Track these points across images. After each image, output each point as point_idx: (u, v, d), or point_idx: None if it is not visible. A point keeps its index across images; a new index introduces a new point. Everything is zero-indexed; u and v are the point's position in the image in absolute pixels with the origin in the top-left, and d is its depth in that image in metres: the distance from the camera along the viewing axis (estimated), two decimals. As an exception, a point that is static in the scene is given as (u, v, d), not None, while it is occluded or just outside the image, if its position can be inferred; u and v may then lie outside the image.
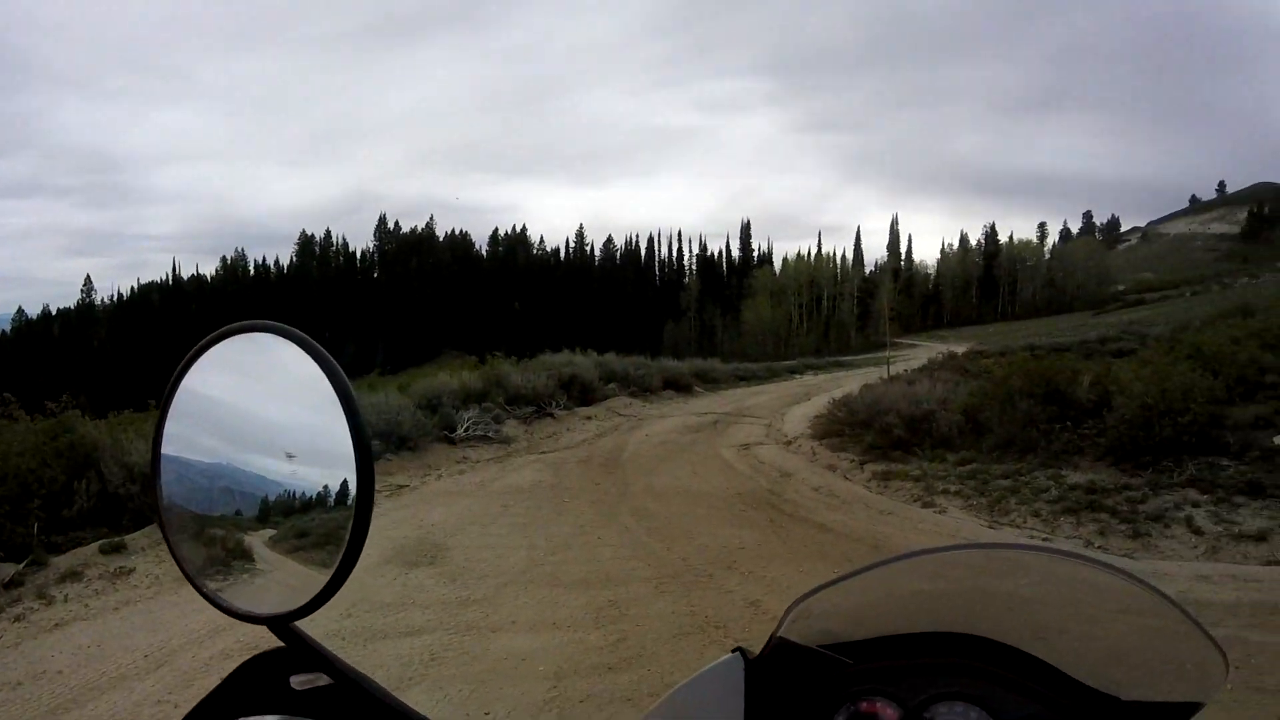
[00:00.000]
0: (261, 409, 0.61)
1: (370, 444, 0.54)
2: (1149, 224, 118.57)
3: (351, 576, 0.53)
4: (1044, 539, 5.33)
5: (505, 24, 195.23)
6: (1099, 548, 5.08)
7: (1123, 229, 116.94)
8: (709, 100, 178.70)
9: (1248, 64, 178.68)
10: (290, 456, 0.56)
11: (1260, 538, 4.80)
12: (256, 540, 0.59)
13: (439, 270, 78.11)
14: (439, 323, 72.18)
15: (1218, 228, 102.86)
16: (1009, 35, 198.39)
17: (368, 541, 0.53)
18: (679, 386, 15.12)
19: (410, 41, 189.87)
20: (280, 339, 0.56)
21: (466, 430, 9.06)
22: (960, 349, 21.77)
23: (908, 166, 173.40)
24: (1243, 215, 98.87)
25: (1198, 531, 5.02)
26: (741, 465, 8.10)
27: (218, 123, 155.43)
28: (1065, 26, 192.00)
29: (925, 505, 6.29)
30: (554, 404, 11.21)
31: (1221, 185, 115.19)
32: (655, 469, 7.89)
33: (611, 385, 13.08)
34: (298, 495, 0.57)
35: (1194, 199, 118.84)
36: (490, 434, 9.25)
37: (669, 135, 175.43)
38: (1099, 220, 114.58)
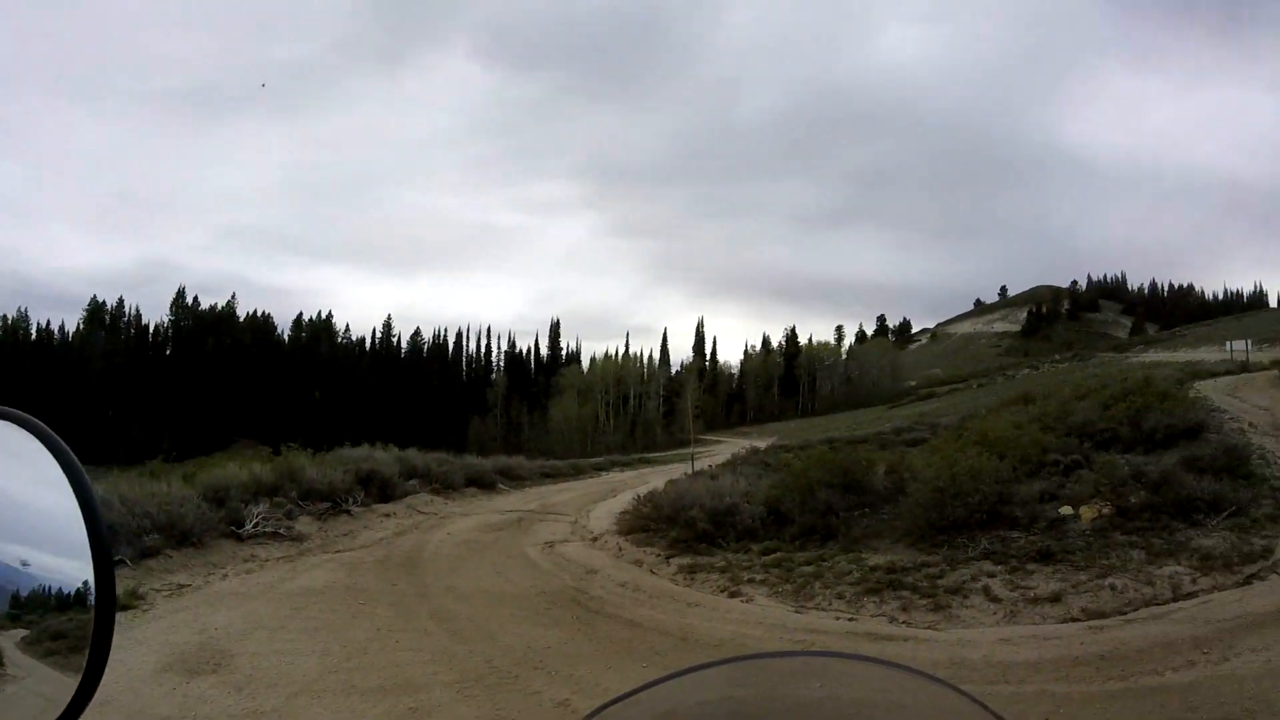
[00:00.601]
0: (5, 498, 0.82)
1: (108, 544, 0.77)
2: (938, 325, 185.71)
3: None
4: (849, 620, 7.80)
5: (331, 111, 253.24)
6: (903, 623, 7.57)
7: (913, 330, 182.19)
8: (527, 201, 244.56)
9: (1028, 183, 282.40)
10: (24, 563, 0.77)
11: (1055, 599, 7.67)
12: (7, 641, 0.76)
13: (238, 352, 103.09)
14: (234, 408, 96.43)
15: (1000, 326, 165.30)
16: (811, 157, 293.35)
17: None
18: (483, 484, 20.71)
19: (228, 114, 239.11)
20: (14, 427, 0.76)
21: (256, 526, 11.90)
22: (763, 444, 29.22)
23: (714, 272, 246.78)
24: (1023, 315, 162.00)
25: (995, 599, 7.80)
26: (546, 563, 11.04)
27: (7, 169, 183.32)
28: (865, 151, 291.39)
29: (732, 595, 8.88)
30: (351, 500, 14.91)
31: (1003, 289, 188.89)
32: (457, 568, 10.68)
33: (413, 482, 17.83)
34: (53, 592, 0.76)
35: (979, 301, 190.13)
36: (282, 531, 12.27)
37: (485, 233, 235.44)
38: (892, 322, 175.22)
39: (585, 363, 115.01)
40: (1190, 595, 7.62)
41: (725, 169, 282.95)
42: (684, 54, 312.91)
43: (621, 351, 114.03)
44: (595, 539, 12.80)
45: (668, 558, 10.70)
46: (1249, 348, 41.27)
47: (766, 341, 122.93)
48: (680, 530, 11.37)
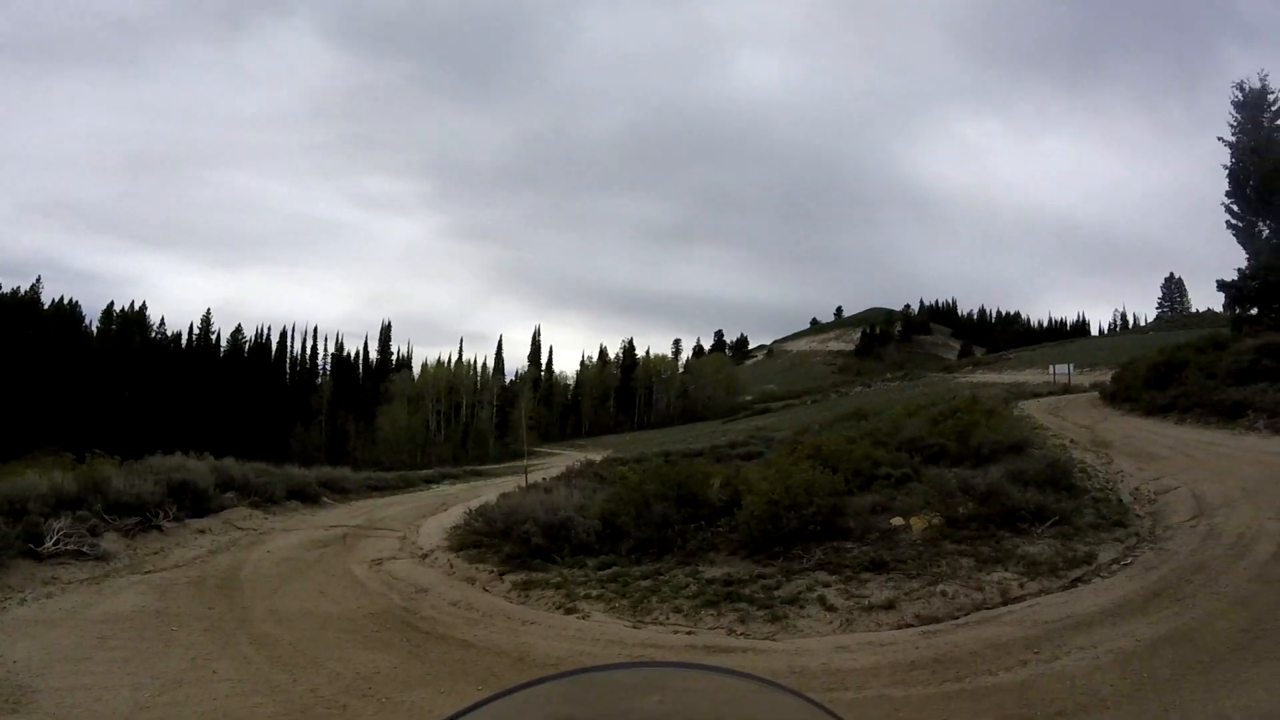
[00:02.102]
0: None
1: None
2: (774, 342, 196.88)
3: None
4: (688, 633, 7.90)
5: (158, 77, 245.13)
6: (741, 634, 7.72)
7: (751, 346, 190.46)
8: (364, 195, 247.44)
9: (871, 212, 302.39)
10: None
11: (889, 606, 8.03)
12: None
13: (40, 345, 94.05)
14: (33, 409, 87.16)
15: (836, 345, 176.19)
16: (661, 173, 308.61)
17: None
18: (305, 496, 20.03)
19: (43, 66, 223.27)
20: None
21: (57, 544, 11.33)
22: (598, 457, 29.78)
23: (554, 281, 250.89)
24: (857, 335, 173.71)
25: (831, 608, 8.07)
26: (374, 583, 10.79)
27: None
28: (715, 171, 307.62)
29: (568, 612, 8.86)
30: (163, 515, 14.21)
31: (839, 310, 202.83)
32: (279, 589, 10.31)
33: (230, 494, 17.20)
34: None
35: (815, 321, 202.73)
36: (86, 549, 11.64)
37: (317, 226, 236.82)
38: (730, 338, 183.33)
39: (416, 369, 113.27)
40: (1019, 599, 8.12)
41: (573, 179, 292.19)
42: (540, 58, 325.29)
43: (455, 358, 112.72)
44: (425, 556, 12.64)
45: (501, 574, 10.62)
46: (1070, 371, 45.08)
47: (604, 353, 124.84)
48: (514, 546, 11.28)
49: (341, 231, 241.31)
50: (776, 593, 8.64)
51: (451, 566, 11.52)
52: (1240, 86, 31.68)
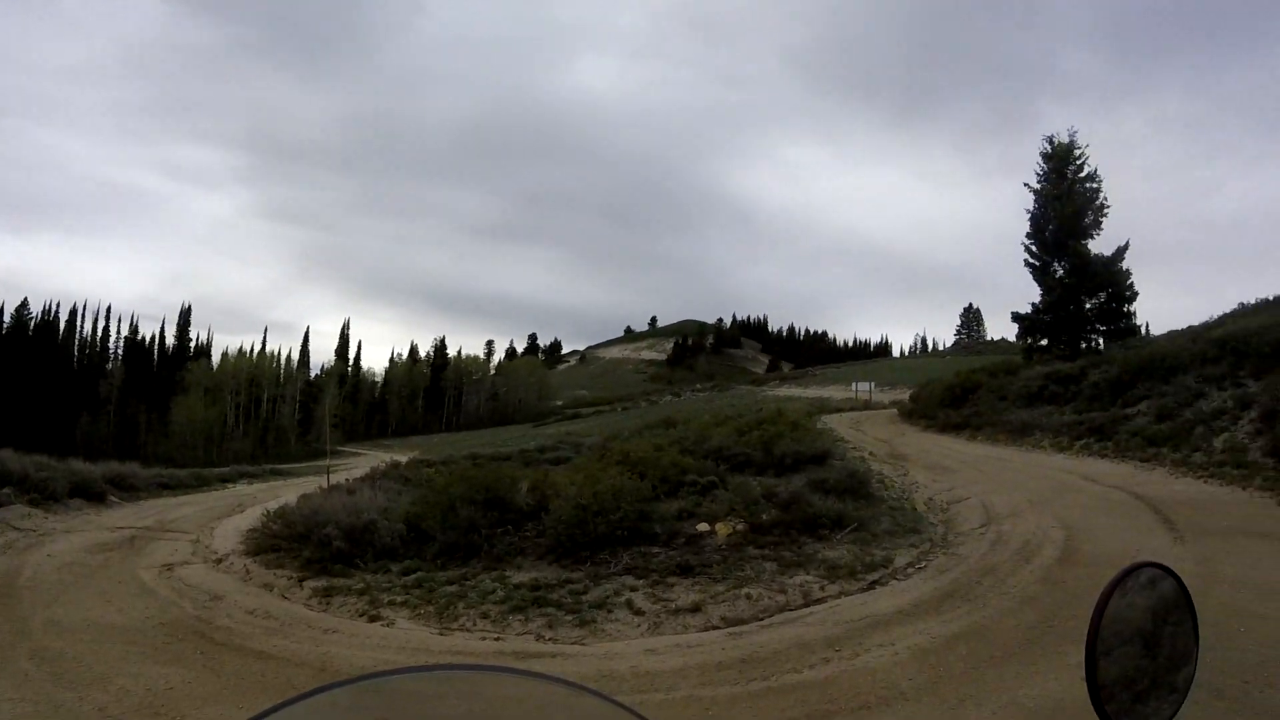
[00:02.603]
0: None
1: None
2: (588, 348, 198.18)
3: None
4: (495, 639, 7.76)
5: None
6: (550, 640, 7.64)
7: (564, 351, 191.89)
8: (172, 164, 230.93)
9: (693, 224, 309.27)
10: None
11: (695, 609, 8.15)
12: None
13: None
14: None
15: (648, 354, 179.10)
16: (489, 168, 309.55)
17: None
18: (91, 494, 18.95)
19: None
20: None
21: None
22: (404, 458, 28.73)
23: (369, 272, 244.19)
24: (670, 345, 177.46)
25: (639, 612, 8.12)
26: (165, 589, 10.08)
27: None
28: (545, 171, 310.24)
29: (372, 619, 8.55)
30: None
31: (654, 319, 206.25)
32: (60, 598, 9.57)
33: (7, 489, 16.19)
34: None
35: (629, 329, 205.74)
36: None
37: (122, 193, 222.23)
38: (543, 342, 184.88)
39: (216, 358, 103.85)
40: (821, 601, 8.43)
41: (397, 166, 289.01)
42: (377, 36, 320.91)
43: (258, 348, 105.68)
44: (220, 560, 11.85)
45: (301, 580, 10.15)
46: (872, 389, 47.41)
47: (415, 351, 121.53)
48: (314, 550, 10.80)
49: (146, 202, 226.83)
50: (585, 597, 8.61)
51: (248, 572, 10.97)
52: (1050, 140, 35.14)
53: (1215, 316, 32.13)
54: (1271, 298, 31.86)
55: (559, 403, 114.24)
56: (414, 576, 9.70)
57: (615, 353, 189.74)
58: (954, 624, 7.29)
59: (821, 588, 8.80)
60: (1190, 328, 30.26)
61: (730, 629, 7.69)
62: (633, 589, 8.79)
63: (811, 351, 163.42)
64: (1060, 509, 11.93)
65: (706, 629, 7.81)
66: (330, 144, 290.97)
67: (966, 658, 6.37)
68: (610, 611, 8.26)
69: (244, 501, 20.03)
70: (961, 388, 28.95)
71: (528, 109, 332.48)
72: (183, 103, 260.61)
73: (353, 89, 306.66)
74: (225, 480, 30.44)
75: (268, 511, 13.54)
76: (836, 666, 6.29)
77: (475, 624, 8.21)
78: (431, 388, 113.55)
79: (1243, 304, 33.65)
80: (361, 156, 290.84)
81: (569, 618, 8.13)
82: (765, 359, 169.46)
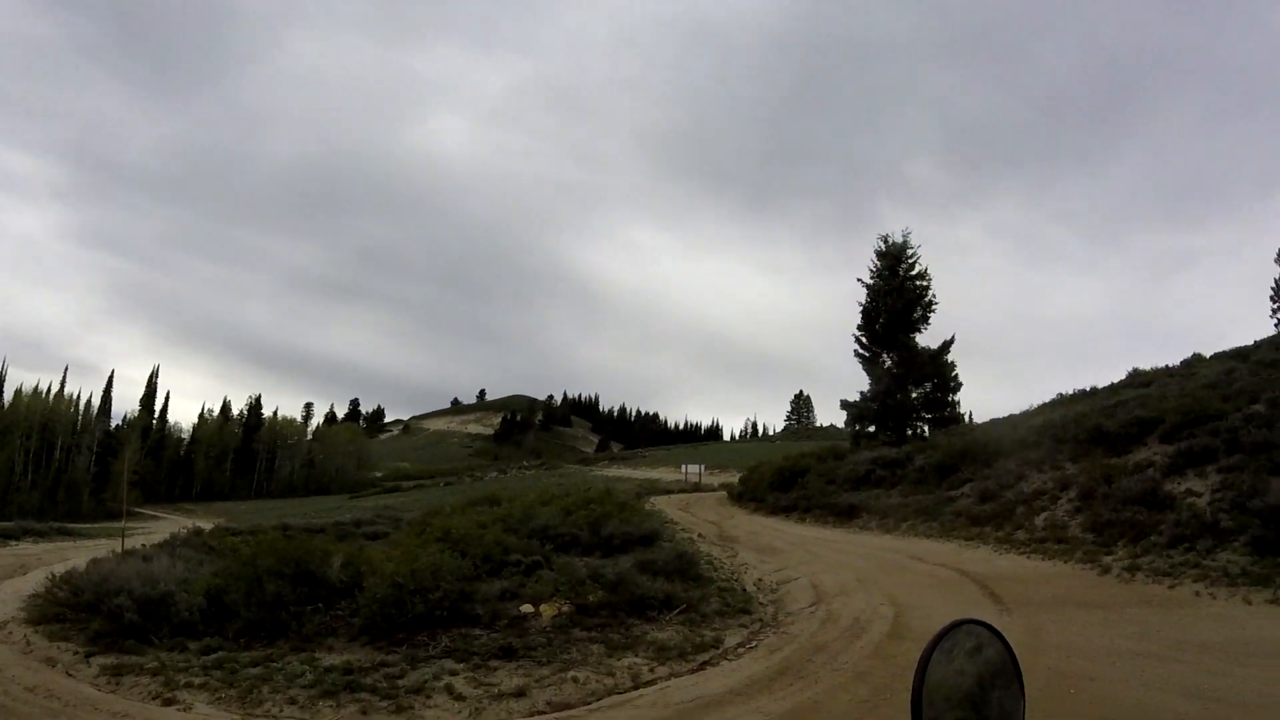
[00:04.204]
0: None
1: None
2: (412, 418, 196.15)
3: None
4: None
5: None
6: (364, 728, 7.28)
7: (387, 419, 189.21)
8: None
9: (531, 297, 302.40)
10: None
11: (520, 694, 7.96)
12: None
13: None
14: None
15: (475, 428, 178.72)
16: (324, 219, 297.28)
17: None
18: None
19: None
20: None
21: None
22: (208, 525, 28.48)
23: (184, 317, 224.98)
24: (498, 420, 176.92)
25: (460, 697, 7.84)
26: None
27: None
28: (381, 228, 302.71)
29: (166, 703, 7.91)
30: None
31: (483, 392, 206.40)
32: None
33: None
34: None
35: (456, 401, 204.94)
36: None
37: None
38: (366, 408, 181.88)
39: (9, 395, 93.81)
40: (650, 683, 8.38)
41: (229, 205, 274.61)
42: (229, 61, 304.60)
43: (56, 389, 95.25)
44: (-1, 628, 10.76)
45: (88, 656, 9.43)
46: (702, 471, 48.11)
47: (227, 408, 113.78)
48: (104, 622, 10.07)
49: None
50: (401, 682, 8.26)
51: (29, 643, 10.17)
52: (885, 239, 37.74)
53: (1034, 405, 34.34)
54: (1088, 389, 34.33)
55: (379, 474, 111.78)
56: (215, 656, 9.10)
57: (441, 424, 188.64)
58: (787, 701, 7.39)
59: (651, 669, 8.78)
60: (1011, 416, 32.21)
61: (557, 714, 7.54)
62: (453, 673, 8.52)
63: (643, 432, 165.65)
64: (889, 587, 12.36)
65: (532, 714, 7.62)
66: (163, 171, 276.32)
67: (800, 734, 6.41)
68: (429, 697, 7.95)
69: (27, 563, 19.15)
70: (791, 471, 29.86)
71: (373, 161, 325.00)
72: (5, 100, 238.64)
73: (196, 113, 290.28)
74: (8, 536, 29.13)
75: (53, 575, 12.66)
76: (670, 748, 6.20)
77: (282, 710, 7.72)
78: (243, 449, 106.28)
79: (1061, 394, 36.11)
80: (193, 189, 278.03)
81: (384, 704, 7.77)
82: (595, 438, 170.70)
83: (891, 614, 10.61)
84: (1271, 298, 53.67)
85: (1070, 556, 13.73)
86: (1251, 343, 30.74)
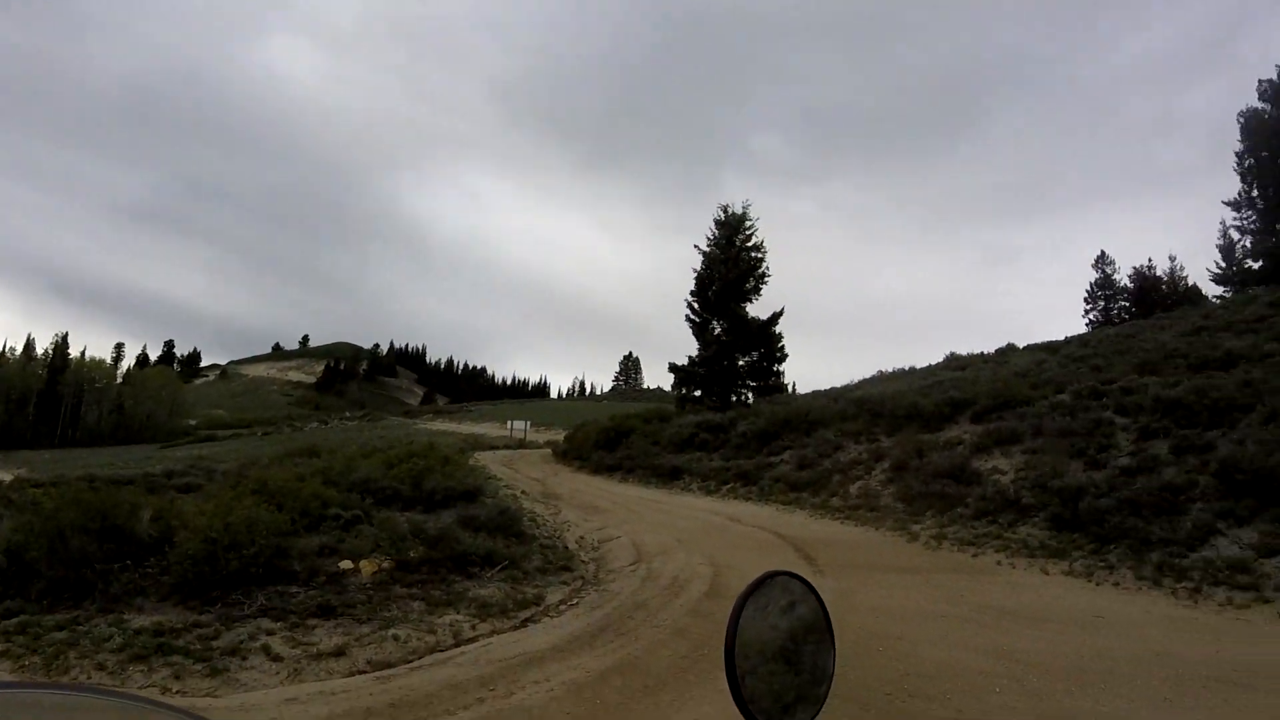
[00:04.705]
0: None
1: None
2: (230, 362, 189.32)
3: None
4: None
5: None
6: (178, 692, 6.99)
7: (203, 363, 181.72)
8: None
9: (364, 240, 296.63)
10: None
11: (339, 653, 7.85)
12: None
13: None
14: None
15: (296, 375, 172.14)
16: (147, 138, 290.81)
17: None
18: None
19: None
20: None
21: None
22: (7, 476, 27.46)
23: None
24: (320, 367, 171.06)
25: (277, 658, 7.66)
26: None
27: None
28: (212, 154, 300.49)
29: None
30: None
31: (306, 338, 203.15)
32: None
33: None
34: None
35: (278, 346, 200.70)
36: None
37: None
38: (181, 351, 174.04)
39: None
40: (472, 640, 8.46)
41: (45, 119, 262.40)
42: None
43: None
44: None
45: None
46: (527, 428, 48.18)
47: (30, 346, 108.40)
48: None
49: None
50: (216, 643, 7.99)
51: None
52: (724, 208, 38.74)
53: (855, 380, 36.01)
54: (908, 368, 36.26)
55: (193, 422, 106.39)
56: (16, 620, 8.42)
57: (261, 370, 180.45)
58: (608, 658, 7.58)
59: (473, 627, 8.85)
60: (833, 389, 33.67)
61: (378, 673, 7.48)
62: (270, 632, 8.29)
63: (469, 386, 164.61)
64: (708, 548, 12.78)
65: (352, 674, 7.55)
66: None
67: (622, 689, 6.65)
68: (245, 658, 7.73)
69: None
70: (616, 431, 30.32)
71: (209, 83, 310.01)
72: None
73: (14, 12, 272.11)
74: None
75: None
76: (491, 706, 6.31)
77: (90, 675, 7.32)
78: (47, 392, 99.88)
79: (881, 371, 38.04)
80: (5, 99, 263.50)
81: (198, 666, 7.48)
82: (421, 391, 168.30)
83: (710, 573, 11.01)
84: (1085, 299, 59.30)
85: (882, 524, 14.63)
86: (1062, 338, 33.35)
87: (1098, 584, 10.49)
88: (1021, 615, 8.99)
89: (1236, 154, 47.26)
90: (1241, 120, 47.12)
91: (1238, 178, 47.16)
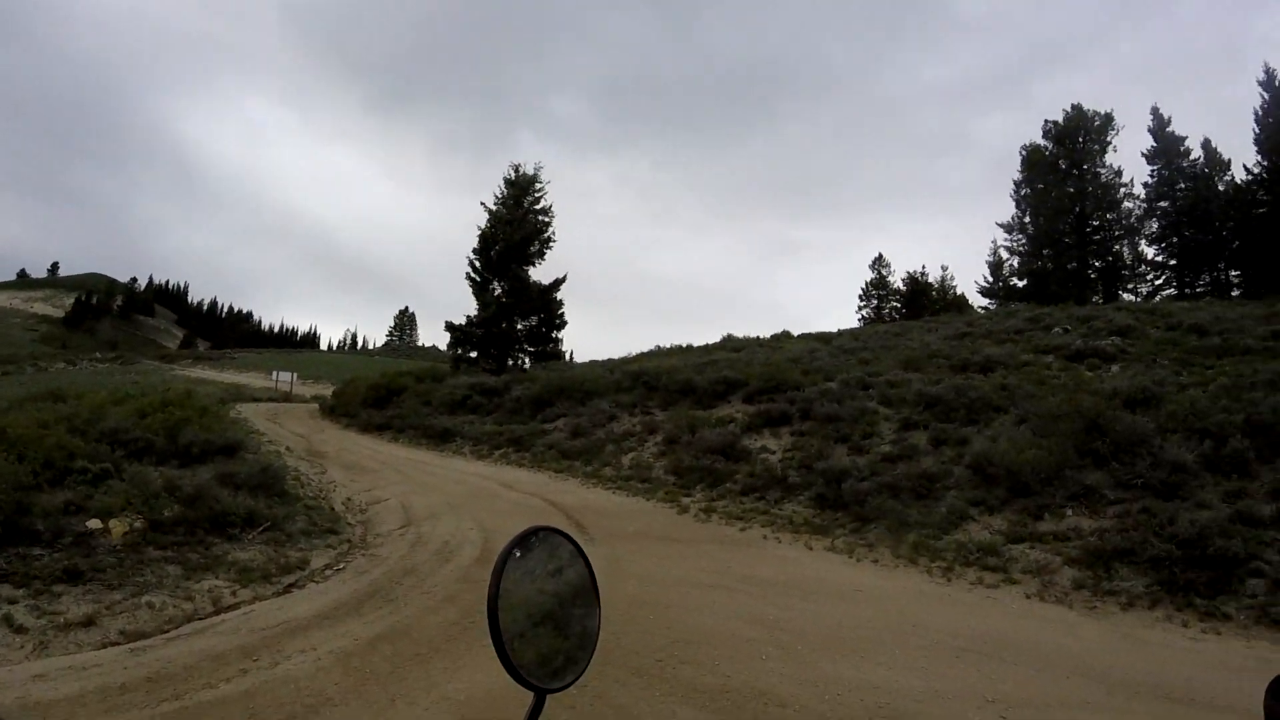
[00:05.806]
0: None
1: None
2: None
3: None
4: None
5: None
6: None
7: None
8: None
9: (125, 163, 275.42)
10: None
11: (89, 623, 7.36)
12: None
13: None
14: None
15: (42, 308, 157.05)
16: None
17: None
18: None
19: None
20: None
21: None
22: None
23: None
24: (70, 300, 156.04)
25: (21, 630, 7.08)
26: None
27: None
28: None
29: None
30: None
31: (55, 266, 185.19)
32: None
33: None
34: None
35: (23, 273, 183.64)
36: None
37: None
38: None
39: None
40: (233, 608, 8.20)
41: None
42: None
43: None
44: None
45: None
46: (294, 380, 46.32)
47: None
48: None
49: None
50: (-53, 613, 7.30)
51: None
52: (516, 168, 39.14)
53: (632, 353, 36.69)
54: (685, 345, 37.27)
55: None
56: None
57: (1, 300, 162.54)
58: (377, 625, 7.56)
59: (233, 593, 8.59)
60: (610, 360, 34.21)
61: (132, 644, 7.10)
62: (11, 600, 7.66)
63: (233, 332, 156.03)
64: (479, 513, 12.89)
65: (104, 645, 7.13)
66: None
67: (392, 658, 6.66)
68: (-17, 629, 7.17)
69: None
70: (387, 389, 29.92)
71: None
72: None
73: None
74: None
75: None
76: (256, 678, 6.15)
77: None
78: None
79: (659, 346, 38.96)
80: None
81: (-74, 640, 6.91)
82: (180, 333, 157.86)
83: (480, 539, 11.11)
84: (860, 296, 64.11)
85: (653, 495, 15.16)
86: (835, 330, 35.22)
87: (858, 560, 11.16)
88: (787, 587, 9.51)
89: (1015, 182, 53.47)
90: (1024, 153, 53.32)
91: (1013, 203, 53.28)
